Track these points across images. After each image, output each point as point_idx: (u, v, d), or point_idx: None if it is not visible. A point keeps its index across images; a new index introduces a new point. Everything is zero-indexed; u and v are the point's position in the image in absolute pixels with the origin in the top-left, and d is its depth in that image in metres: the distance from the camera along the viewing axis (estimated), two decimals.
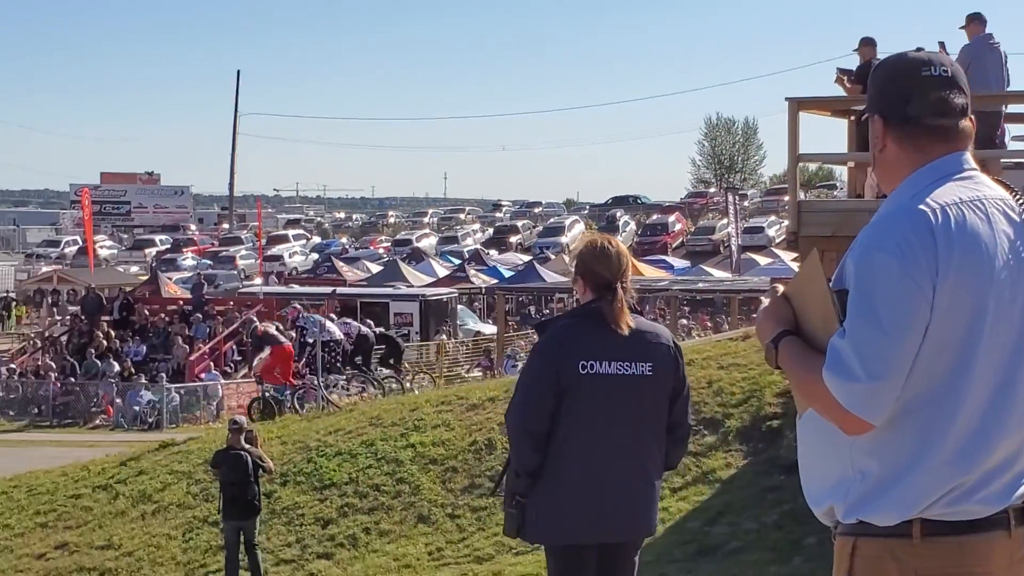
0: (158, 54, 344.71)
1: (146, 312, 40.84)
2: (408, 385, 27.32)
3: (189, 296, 44.55)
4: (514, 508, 5.87)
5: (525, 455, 5.78)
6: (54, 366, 36.21)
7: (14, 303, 55.14)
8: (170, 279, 55.43)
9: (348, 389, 26.58)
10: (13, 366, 37.60)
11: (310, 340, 26.87)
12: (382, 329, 30.82)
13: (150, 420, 31.03)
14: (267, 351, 26.21)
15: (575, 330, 5.77)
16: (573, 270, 6.00)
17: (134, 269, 69.09)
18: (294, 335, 27.99)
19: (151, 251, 78.52)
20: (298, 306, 30.33)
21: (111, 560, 15.84)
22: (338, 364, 27.10)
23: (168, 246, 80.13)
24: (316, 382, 26.17)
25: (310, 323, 27.51)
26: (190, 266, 67.98)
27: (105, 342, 37.99)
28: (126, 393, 32.37)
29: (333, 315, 31.82)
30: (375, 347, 28.66)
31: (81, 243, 71.94)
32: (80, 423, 32.26)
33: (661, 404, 5.81)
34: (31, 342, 42.68)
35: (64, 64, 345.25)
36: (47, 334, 42.67)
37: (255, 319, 31.21)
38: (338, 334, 27.37)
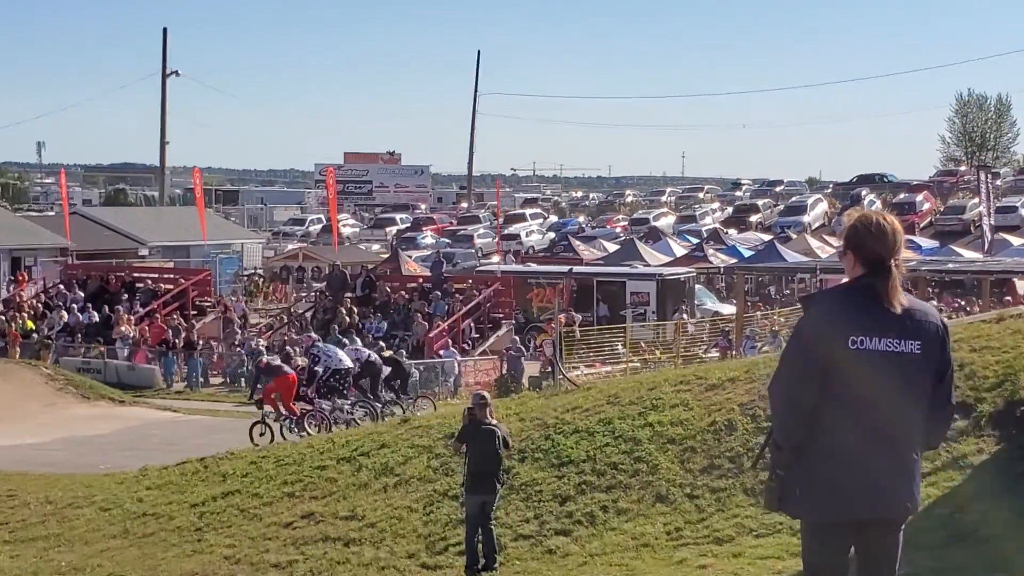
0: (401, 35, 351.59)
1: (387, 289, 41.75)
2: (410, 411, 26.98)
3: (428, 274, 45.39)
4: (775, 481, 5.79)
5: (789, 428, 5.69)
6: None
7: (261, 280, 56.85)
8: (410, 257, 56.52)
9: (353, 412, 26.79)
10: (261, 341, 38.82)
11: (319, 369, 27.08)
12: (390, 353, 30.74)
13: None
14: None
15: (845, 304, 5.67)
16: (842, 244, 5.86)
17: (375, 247, 70.65)
18: (305, 361, 28.17)
19: (392, 229, 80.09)
20: (313, 335, 30.75)
21: (355, 531, 16.11)
22: (344, 391, 27.32)
23: (408, 225, 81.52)
24: (323, 405, 26.62)
25: (323, 352, 27.74)
26: (429, 244, 69.10)
27: (348, 318, 38.93)
28: None
29: (346, 341, 32.50)
30: (382, 372, 28.69)
31: (325, 221, 73.87)
32: None
33: (927, 383, 5.69)
34: (278, 318, 43.99)
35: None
36: (293, 310, 43.92)
37: (263, 352, 31.76)
38: (347, 362, 27.52)
